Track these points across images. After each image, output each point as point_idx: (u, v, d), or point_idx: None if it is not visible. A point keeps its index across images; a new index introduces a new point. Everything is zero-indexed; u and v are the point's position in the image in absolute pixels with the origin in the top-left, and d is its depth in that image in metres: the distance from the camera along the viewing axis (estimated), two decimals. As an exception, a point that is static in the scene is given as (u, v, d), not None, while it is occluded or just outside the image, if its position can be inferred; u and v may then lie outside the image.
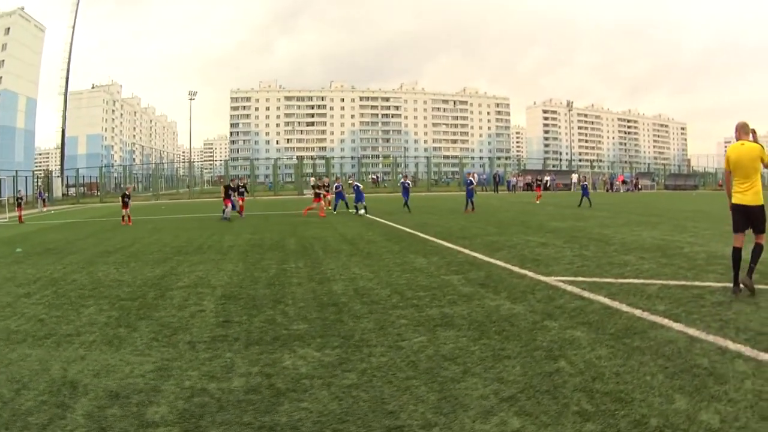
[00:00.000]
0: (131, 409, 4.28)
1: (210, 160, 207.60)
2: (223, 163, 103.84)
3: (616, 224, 19.12)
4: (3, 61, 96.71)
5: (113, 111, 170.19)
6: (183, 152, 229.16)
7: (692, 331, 5.86)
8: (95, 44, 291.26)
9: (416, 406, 4.19)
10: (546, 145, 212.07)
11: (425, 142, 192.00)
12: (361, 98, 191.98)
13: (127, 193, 26.60)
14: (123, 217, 25.33)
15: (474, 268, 10.46)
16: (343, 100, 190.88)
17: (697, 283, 8.43)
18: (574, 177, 70.48)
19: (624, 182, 74.42)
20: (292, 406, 4.24)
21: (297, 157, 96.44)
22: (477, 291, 8.40)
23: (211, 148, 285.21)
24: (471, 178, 29.01)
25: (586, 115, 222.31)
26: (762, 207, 7.60)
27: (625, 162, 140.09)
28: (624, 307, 7.01)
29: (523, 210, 29.11)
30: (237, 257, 12.89)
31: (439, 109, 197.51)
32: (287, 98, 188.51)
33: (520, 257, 11.68)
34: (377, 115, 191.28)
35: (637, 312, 6.74)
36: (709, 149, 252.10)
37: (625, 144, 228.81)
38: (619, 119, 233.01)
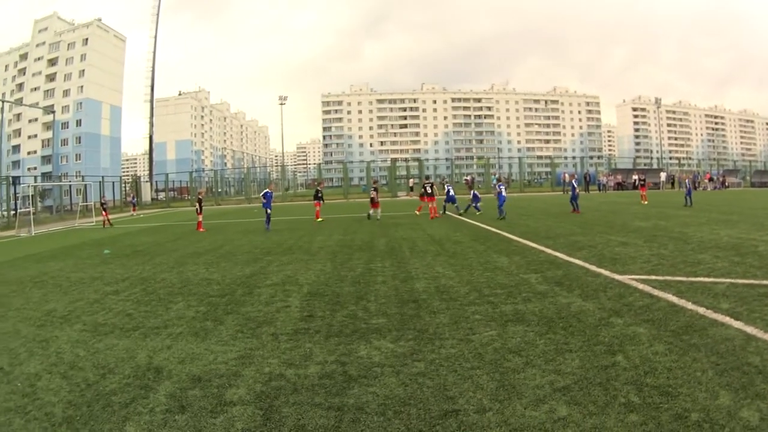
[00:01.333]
0: (212, 390, 4.80)
1: (303, 164, 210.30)
2: (316, 166, 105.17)
3: (697, 223, 18.86)
4: (83, 71, 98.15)
5: (202, 117, 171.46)
6: (276, 156, 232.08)
7: (751, 330, 5.92)
8: (179, 53, 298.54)
9: (475, 393, 4.51)
10: (637, 144, 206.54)
11: (518, 142, 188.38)
12: (453, 99, 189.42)
13: (200, 197, 26.04)
14: (199, 222, 24.76)
15: (553, 267, 10.71)
16: (435, 101, 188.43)
17: (765, 282, 8.41)
18: (663, 175, 68.70)
19: (711, 180, 71.88)
20: (361, 390, 4.65)
21: (390, 159, 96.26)
22: (552, 289, 8.65)
23: (305, 152, 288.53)
24: (573, 181, 28.46)
25: (674, 112, 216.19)
26: None
27: (713, 159, 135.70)
28: (689, 305, 7.13)
29: (612, 210, 28.58)
30: (326, 257, 13.26)
31: (530, 109, 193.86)
32: (379, 101, 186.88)
33: (599, 256, 11.82)
34: (470, 116, 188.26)
35: (701, 310, 6.84)
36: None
37: (713, 141, 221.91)
38: (706, 115, 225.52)
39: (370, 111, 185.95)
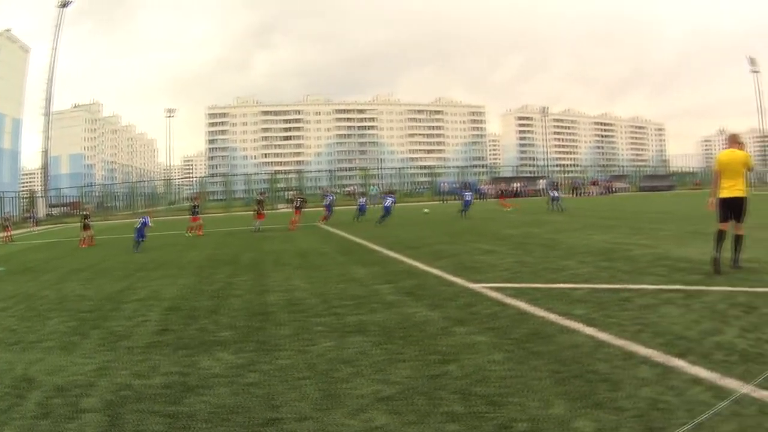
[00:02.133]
0: (71, 399, 4.93)
1: (189, 177, 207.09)
2: (200, 179, 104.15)
3: (572, 228, 19.45)
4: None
5: (94, 130, 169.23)
6: (164, 170, 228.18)
7: (603, 336, 5.89)
8: (78, 64, 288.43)
9: (299, 402, 4.52)
10: (522, 152, 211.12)
11: (401, 152, 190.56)
12: (336, 111, 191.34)
13: (86, 213, 25.95)
14: (82, 239, 24.05)
15: (408, 277, 10.70)
16: (318, 113, 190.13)
17: (630, 286, 8.56)
18: (542, 182, 70.89)
19: (595, 185, 74.62)
20: (195, 399, 4.73)
21: (271, 173, 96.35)
22: (401, 299, 8.60)
23: (191, 165, 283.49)
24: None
25: (561, 120, 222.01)
26: (744, 198, 9.52)
27: (601, 165, 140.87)
28: (540, 312, 7.11)
29: (488, 217, 29.62)
30: (192, 272, 13.28)
31: (414, 119, 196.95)
32: (264, 113, 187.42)
33: (459, 265, 11.85)
34: (353, 127, 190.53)
35: (552, 316, 6.83)
36: (688, 149, 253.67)
37: (602, 147, 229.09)
38: (595, 123, 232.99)
39: (255, 123, 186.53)
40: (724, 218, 9.61)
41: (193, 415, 4.41)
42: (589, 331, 6.13)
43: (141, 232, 20.95)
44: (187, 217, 32.10)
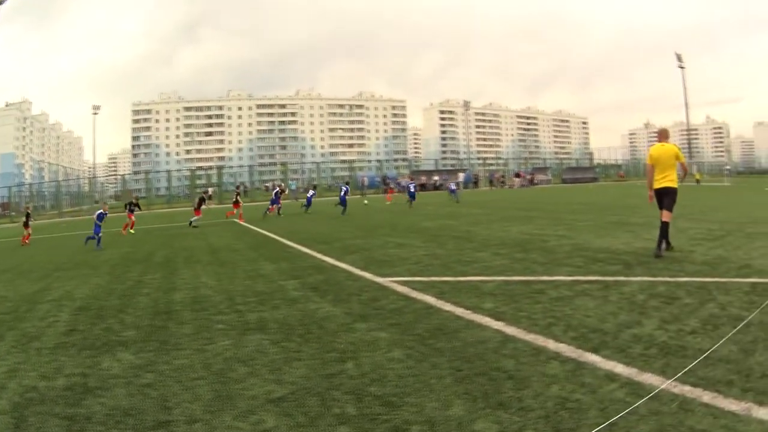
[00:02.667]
0: None
1: (114, 175, 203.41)
2: (125, 177, 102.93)
3: (489, 221, 19.69)
4: None
5: (24, 128, 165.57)
6: (89, 168, 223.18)
7: (511, 330, 5.75)
8: (8, 62, 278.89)
9: (192, 403, 4.40)
10: (444, 146, 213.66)
11: (322, 147, 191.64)
12: (258, 106, 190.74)
13: (29, 212, 26.80)
14: (26, 235, 25.15)
15: (315, 272, 10.62)
16: (240, 108, 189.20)
17: (544, 278, 8.54)
18: (461, 176, 71.77)
19: (518, 176, 75.72)
20: (93, 401, 4.62)
21: (189, 170, 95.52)
22: (305, 295, 8.52)
23: (116, 163, 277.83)
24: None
25: (484, 114, 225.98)
26: (674, 189, 10.37)
27: (524, 158, 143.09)
28: (447, 306, 7.01)
29: (403, 210, 29.78)
30: (106, 271, 13.08)
31: (335, 114, 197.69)
32: (186, 109, 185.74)
33: (369, 259, 11.85)
34: (274, 122, 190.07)
35: (459, 311, 6.72)
36: (613, 141, 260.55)
37: (525, 140, 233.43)
38: (518, 116, 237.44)
39: (178, 119, 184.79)
40: (660, 207, 10.43)
41: (90, 417, 4.31)
42: (497, 325, 6.02)
43: (98, 228, 20.65)
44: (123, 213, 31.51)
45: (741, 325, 5.47)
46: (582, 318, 6.11)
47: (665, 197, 10.37)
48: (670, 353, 4.81)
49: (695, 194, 33.10)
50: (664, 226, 10.17)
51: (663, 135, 11.08)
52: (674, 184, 10.43)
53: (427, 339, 5.69)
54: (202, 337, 6.39)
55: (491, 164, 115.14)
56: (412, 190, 33.51)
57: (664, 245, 10.27)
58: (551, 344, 5.26)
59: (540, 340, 5.39)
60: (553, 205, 27.76)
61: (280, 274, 10.69)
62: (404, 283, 8.78)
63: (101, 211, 21.34)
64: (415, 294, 7.94)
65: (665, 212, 10.23)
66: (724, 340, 5.06)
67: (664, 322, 5.75)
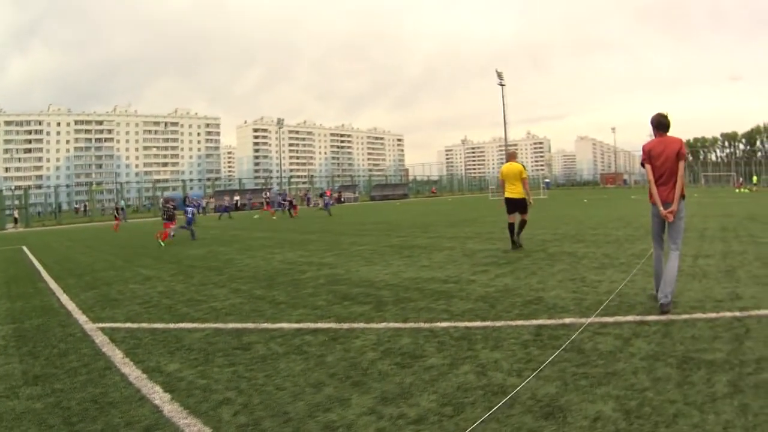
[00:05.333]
0: None
1: None
2: None
3: (262, 246, 18.68)
4: None
5: None
6: None
7: (171, 409, 4.51)
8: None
9: None
10: (257, 164, 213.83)
11: (136, 166, 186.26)
12: (76, 122, 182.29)
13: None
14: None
15: (37, 315, 8.94)
16: (59, 124, 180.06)
17: (265, 325, 7.35)
18: (268, 194, 70.66)
19: (323, 196, 75.85)
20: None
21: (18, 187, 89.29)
22: (5, 345, 7.14)
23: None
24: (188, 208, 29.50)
25: (297, 132, 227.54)
26: (523, 199, 13.25)
27: (337, 175, 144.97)
28: (126, 368, 5.75)
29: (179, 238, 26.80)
30: None
31: (150, 131, 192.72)
32: (7, 123, 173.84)
33: (102, 297, 10.28)
34: (91, 139, 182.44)
35: (135, 374, 5.51)
36: (431, 158, 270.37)
37: (338, 158, 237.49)
38: (332, 134, 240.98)
39: None
40: (509, 212, 13.50)
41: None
42: (162, 399, 4.77)
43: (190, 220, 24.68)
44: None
45: (499, 404, 4.13)
46: (271, 391, 4.78)
47: (517, 205, 13.32)
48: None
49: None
50: (511, 227, 13.49)
51: (511, 156, 14.02)
52: (521, 195, 13.29)
53: (73, 417, 4.50)
54: None
55: (301, 183, 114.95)
56: (190, 214, 28.47)
57: (519, 234, 13.50)
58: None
59: (195, 428, 4.15)
60: (342, 226, 26.86)
61: (4, 317, 8.99)
62: (112, 331, 7.48)
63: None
64: (107, 347, 6.65)
65: (516, 215, 13.38)
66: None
67: (383, 400, 4.39)
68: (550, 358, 5.03)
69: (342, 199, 78.03)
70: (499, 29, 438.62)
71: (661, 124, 6.96)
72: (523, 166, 13.62)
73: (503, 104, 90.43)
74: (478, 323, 6.48)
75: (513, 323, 6.37)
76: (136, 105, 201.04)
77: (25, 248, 24.80)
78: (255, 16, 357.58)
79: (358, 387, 4.69)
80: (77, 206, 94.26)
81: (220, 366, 5.52)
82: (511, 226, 13.43)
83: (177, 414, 4.37)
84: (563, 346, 5.36)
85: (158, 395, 4.80)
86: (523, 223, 13.42)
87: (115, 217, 41.32)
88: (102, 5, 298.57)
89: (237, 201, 65.93)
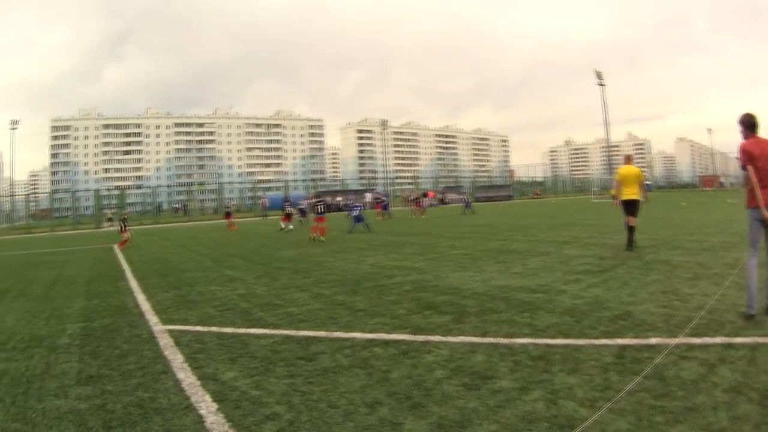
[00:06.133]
0: None
1: (35, 193, 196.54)
2: (48, 195, 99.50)
3: (357, 248, 18.13)
4: None
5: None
6: (9, 185, 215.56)
7: (214, 420, 4.37)
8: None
9: None
10: (361, 165, 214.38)
11: (239, 167, 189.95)
12: (176, 125, 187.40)
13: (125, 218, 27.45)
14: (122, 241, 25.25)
15: (109, 315, 9.12)
16: (158, 127, 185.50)
17: (337, 334, 6.97)
18: (368, 196, 70.32)
19: (426, 196, 75.43)
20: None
21: (95, 190, 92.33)
22: (71, 343, 7.25)
23: (37, 180, 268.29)
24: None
25: (401, 133, 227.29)
26: (637, 200, 13.57)
27: (443, 177, 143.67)
28: (182, 373, 5.68)
29: (279, 237, 27.68)
30: None
31: (252, 133, 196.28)
32: (105, 126, 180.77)
33: (179, 299, 10.28)
34: (192, 141, 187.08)
35: (189, 380, 5.42)
36: (534, 159, 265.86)
37: (444, 159, 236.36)
38: (437, 135, 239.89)
39: (96, 137, 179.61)
40: (626, 213, 13.63)
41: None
42: (209, 409, 4.62)
43: (360, 217, 27.45)
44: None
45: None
46: (323, 409, 4.51)
47: (630, 206, 13.55)
48: None
49: (607, 211, 32.20)
50: (631, 230, 13.55)
51: (628, 159, 14.35)
52: (638, 197, 13.58)
53: (113, 421, 4.50)
54: None
55: (407, 184, 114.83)
56: (357, 212, 29.44)
57: (631, 239, 13.56)
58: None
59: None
60: (441, 228, 26.38)
61: (78, 316, 9.12)
62: (179, 333, 7.42)
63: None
64: (169, 350, 6.58)
65: (631, 218, 13.51)
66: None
67: (438, 427, 4.03)
68: (628, 387, 4.58)
69: (446, 201, 77.67)
70: (594, 28, 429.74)
71: (752, 124, 6.62)
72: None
73: (604, 104, 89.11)
74: (559, 340, 6.05)
75: (596, 342, 5.92)
76: (237, 108, 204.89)
77: (116, 246, 25.27)
78: (352, 19, 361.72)
79: (415, 410, 4.37)
80: (176, 206, 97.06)
81: (279, 377, 5.32)
82: (630, 228, 13.54)
83: (218, 426, 4.20)
84: (644, 372, 4.90)
85: (205, 405, 4.66)
86: (632, 229, 13.56)
87: (227, 215, 42.14)
88: (197, 12, 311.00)
89: (339, 201, 66.42)
